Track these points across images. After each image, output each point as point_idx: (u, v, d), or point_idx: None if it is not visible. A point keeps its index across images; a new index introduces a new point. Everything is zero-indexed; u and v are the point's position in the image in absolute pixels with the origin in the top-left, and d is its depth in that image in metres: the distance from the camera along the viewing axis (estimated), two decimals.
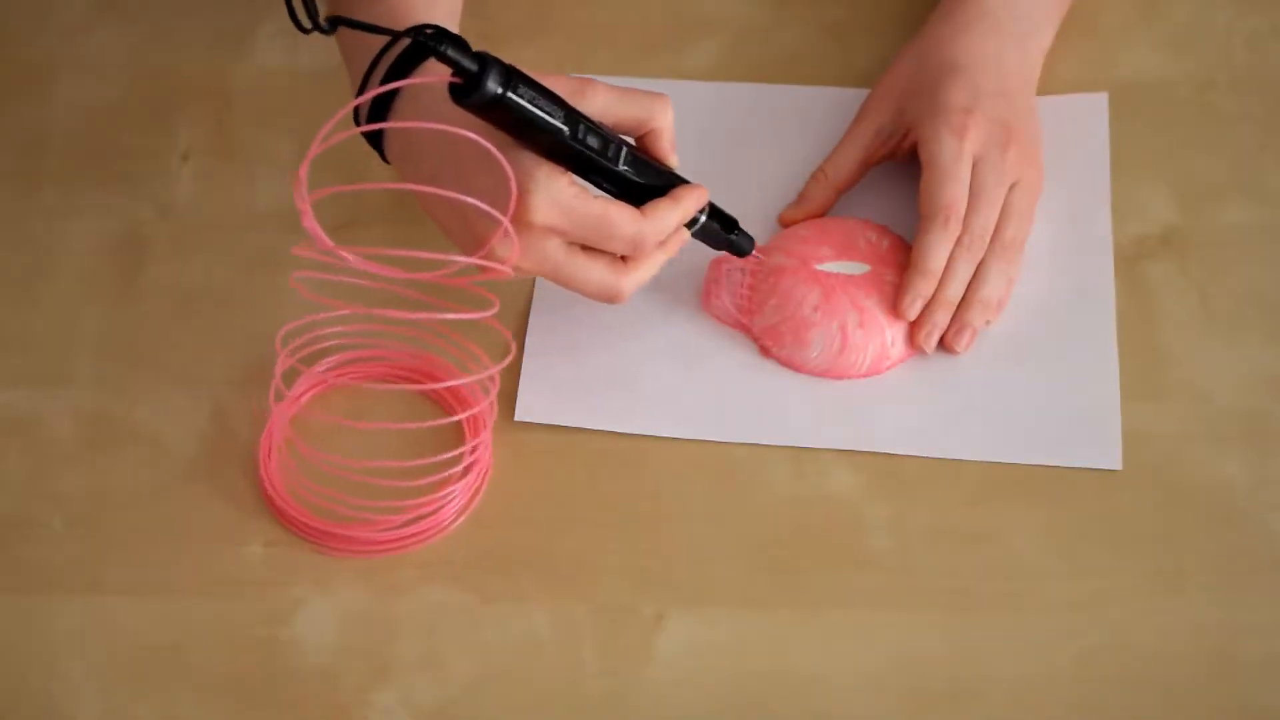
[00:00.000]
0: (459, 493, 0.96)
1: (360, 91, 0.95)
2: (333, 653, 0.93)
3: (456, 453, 0.95)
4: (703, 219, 0.95)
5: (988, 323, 1.00)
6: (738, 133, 1.08)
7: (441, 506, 0.95)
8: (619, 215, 0.90)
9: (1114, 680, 0.91)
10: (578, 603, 0.94)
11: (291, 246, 0.91)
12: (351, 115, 0.96)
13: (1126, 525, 0.95)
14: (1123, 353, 0.99)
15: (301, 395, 0.99)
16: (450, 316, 0.91)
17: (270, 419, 0.97)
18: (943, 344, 1.00)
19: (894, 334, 0.99)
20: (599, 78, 0.92)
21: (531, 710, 0.91)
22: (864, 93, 1.06)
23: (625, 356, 1.01)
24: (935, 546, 0.94)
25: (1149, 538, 0.94)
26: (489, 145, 0.85)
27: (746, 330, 1.01)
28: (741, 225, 0.98)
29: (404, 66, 0.93)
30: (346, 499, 0.94)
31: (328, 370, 1.00)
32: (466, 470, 0.96)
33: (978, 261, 1.00)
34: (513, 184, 0.87)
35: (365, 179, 1.05)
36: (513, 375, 1.00)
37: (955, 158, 0.99)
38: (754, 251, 1.01)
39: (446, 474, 0.95)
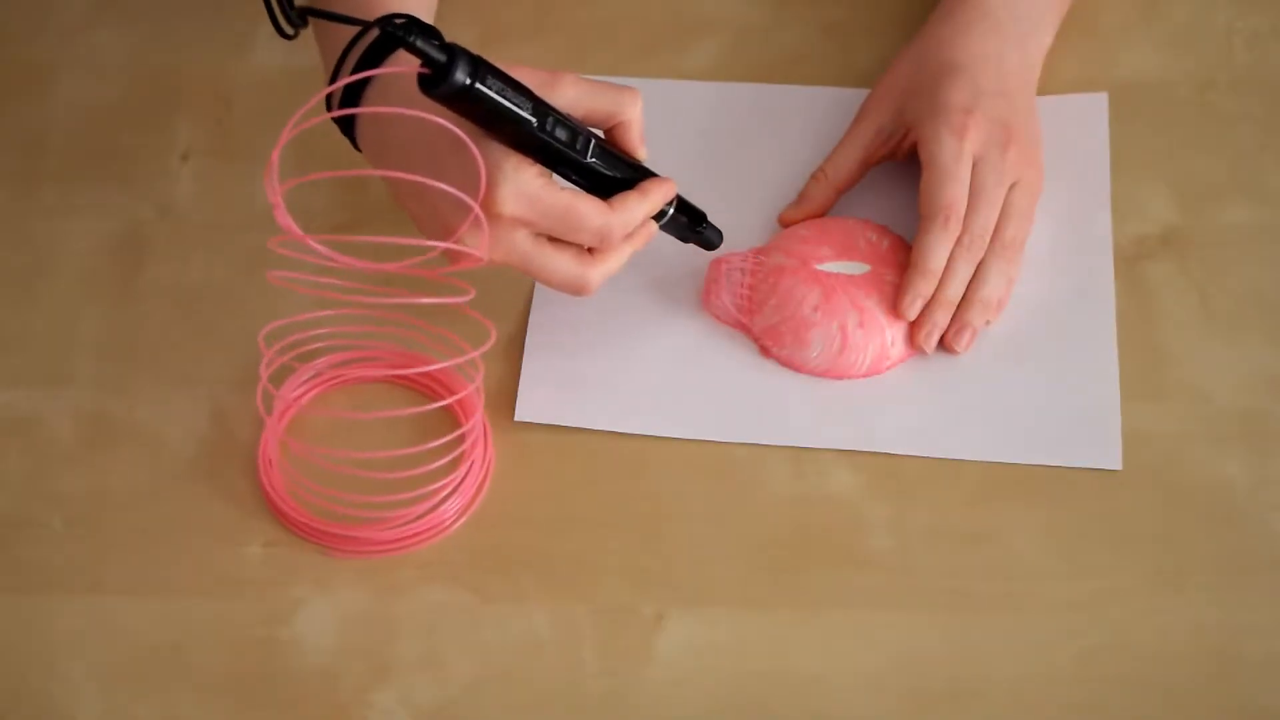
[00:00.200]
0: (460, 491, 0.96)
1: (331, 80, 0.95)
2: (333, 653, 0.93)
3: (452, 437, 0.95)
4: (670, 212, 0.95)
5: (988, 323, 1.00)
6: (738, 133, 1.08)
7: (441, 501, 0.95)
8: (586, 207, 0.90)
9: (1114, 680, 0.91)
10: (578, 603, 0.94)
11: (290, 246, 0.91)
12: (324, 102, 0.96)
13: (1126, 525, 0.95)
14: (1123, 353, 0.99)
15: (300, 397, 0.99)
16: (428, 300, 0.91)
17: (267, 421, 0.97)
18: (943, 344, 1.00)
19: (894, 334, 0.99)
20: (599, 78, 0.92)
21: (531, 710, 0.91)
22: (864, 93, 1.06)
23: (625, 356, 1.01)
24: (935, 546, 0.94)
25: (1149, 538, 0.94)
26: (458, 131, 0.85)
27: (746, 330, 1.01)
28: (738, 226, 0.98)
29: (375, 57, 0.93)
30: (347, 498, 0.94)
31: (321, 371, 1.00)
32: (463, 459, 0.96)
33: (977, 261, 1.00)
34: (483, 174, 0.87)
35: (354, 182, 1.05)
36: (513, 375, 1.00)
37: (955, 158, 0.99)
38: (753, 251, 1.01)
39: (444, 461, 0.95)
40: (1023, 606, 0.93)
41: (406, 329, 0.98)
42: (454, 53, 0.84)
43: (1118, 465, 0.96)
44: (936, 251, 0.99)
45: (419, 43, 0.83)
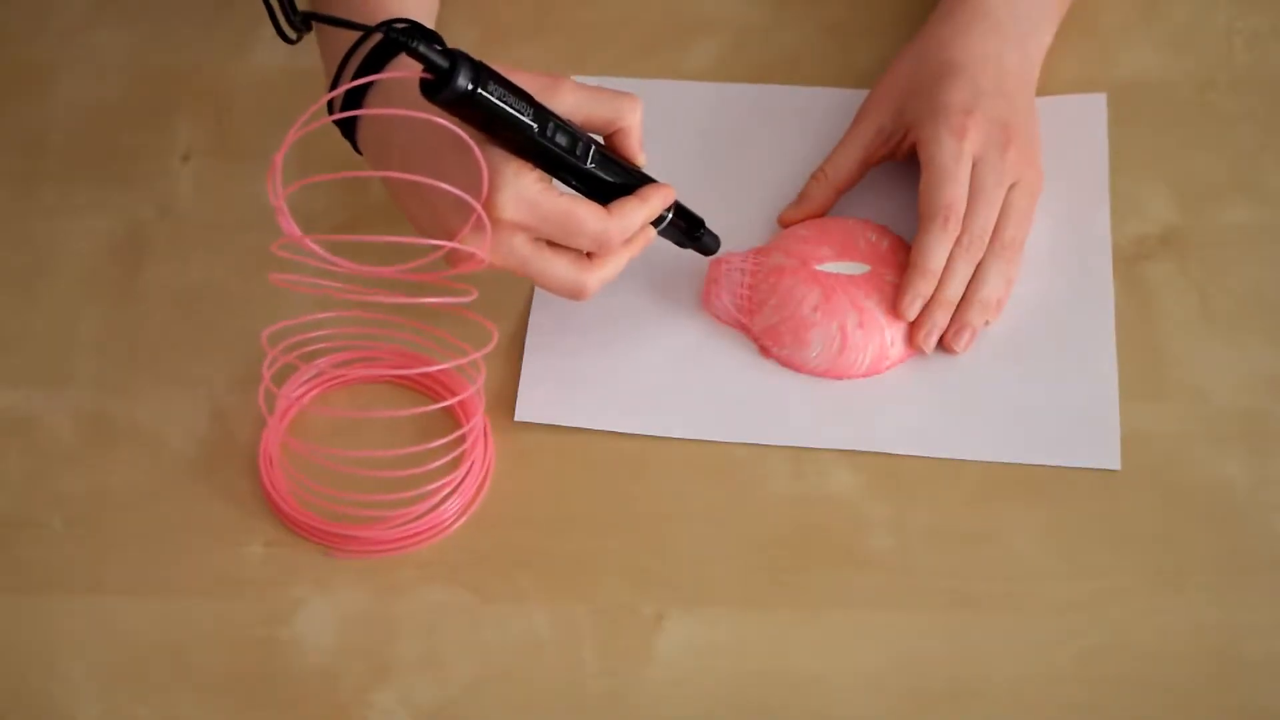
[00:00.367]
0: (460, 491, 0.96)
1: (333, 85, 0.95)
2: (333, 653, 0.93)
3: (452, 437, 0.95)
4: (669, 217, 0.95)
5: (987, 323, 1.00)
6: (738, 133, 1.08)
7: (441, 503, 0.95)
8: (585, 212, 0.90)
9: (1114, 680, 0.91)
10: (578, 603, 0.94)
11: (273, 247, 0.91)
12: (327, 109, 0.96)
13: (1126, 525, 0.95)
14: (1122, 353, 0.99)
15: (301, 397, 0.99)
16: (430, 301, 0.91)
17: (268, 421, 0.97)
18: (942, 344, 1.00)
19: (893, 334, 0.99)
20: (599, 78, 0.92)
21: (531, 710, 0.91)
22: (864, 93, 1.06)
23: (625, 356, 1.01)
24: (935, 546, 0.94)
25: (1149, 538, 0.94)
26: (462, 133, 0.85)
27: (746, 330, 1.01)
28: (739, 226, 0.98)
29: (377, 62, 0.93)
30: (347, 498, 0.94)
31: (323, 371, 1.00)
32: (463, 459, 0.96)
33: (977, 261, 1.00)
34: (485, 176, 0.87)
35: (355, 184, 1.05)
36: (513, 375, 1.00)
37: (955, 158, 0.99)
38: (753, 251, 1.01)
39: (444, 461, 0.95)
40: (1023, 606, 0.93)
41: (408, 330, 0.98)
42: (456, 58, 0.85)
43: (1117, 465, 0.96)
44: (936, 252, 0.99)
45: (421, 48, 0.84)
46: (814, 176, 1.04)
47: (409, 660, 0.93)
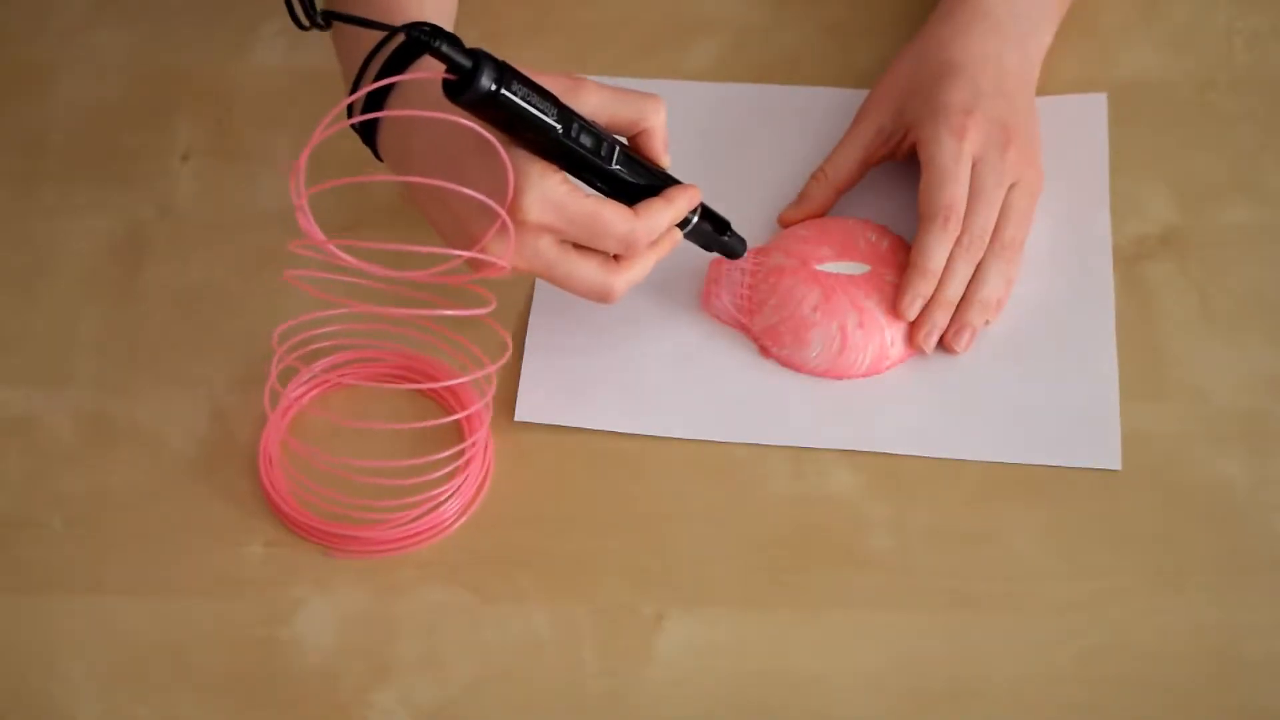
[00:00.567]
0: (460, 492, 0.96)
1: (353, 88, 0.95)
2: (333, 653, 0.93)
3: (453, 451, 0.95)
4: (695, 220, 0.95)
5: (987, 323, 1.00)
6: (738, 133, 1.08)
7: (440, 504, 0.95)
8: (611, 214, 0.90)
9: (1114, 680, 0.91)
10: (578, 603, 0.94)
11: (291, 246, 0.91)
12: (346, 112, 0.96)
13: (1126, 525, 0.95)
14: (1122, 353, 0.99)
15: (301, 397, 0.99)
16: (449, 313, 0.91)
17: (268, 421, 0.97)
18: (942, 344, 1.00)
19: (894, 334, 0.99)
20: (599, 78, 0.92)
21: (531, 710, 0.91)
22: (864, 93, 1.06)
23: (625, 356, 1.01)
24: (935, 546, 0.94)
25: (1149, 538, 0.94)
26: (488, 135, 0.85)
27: (746, 330, 1.01)
28: (738, 226, 0.98)
29: (397, 64, 0.93)
30: (347, 499, 0.94)
31: (325, 371, 1.00)
32: (464, 467, 0.96)
33: (977, 262, 1.00)
34: (510, 179, 0.87)
35: (358, 183, 1.05)
36: (513, 375, 1.00)
37: (955, 158, 0.99)
38: (753, 251, 1.01)
39: (445, 471, 0.95)
40: (1023, 606, 0.93)
41: (416, 330, 0.98)
42: (480, 58, 0.84)
43: (1117, 465, 0.96)
44: (936, 252, 0.99)
45: (445, 48, 0.83)
46: (814, 176, 1.04)
47: (409, 660, 0.93)
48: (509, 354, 0.94)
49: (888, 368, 1.00)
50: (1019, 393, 0.98)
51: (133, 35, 1.14)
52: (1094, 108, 1.08)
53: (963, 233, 0.99)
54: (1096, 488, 0.96)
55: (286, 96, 1.11)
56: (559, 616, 0.93)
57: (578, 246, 0.91)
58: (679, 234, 0.95)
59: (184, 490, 0.98)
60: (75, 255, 1.06)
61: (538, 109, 0.86)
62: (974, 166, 1.00)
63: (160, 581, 0.95)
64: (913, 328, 1.00)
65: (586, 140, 0.89)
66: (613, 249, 0.91)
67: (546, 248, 0.90)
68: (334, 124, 0.85)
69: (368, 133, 0.96)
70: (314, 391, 1.00)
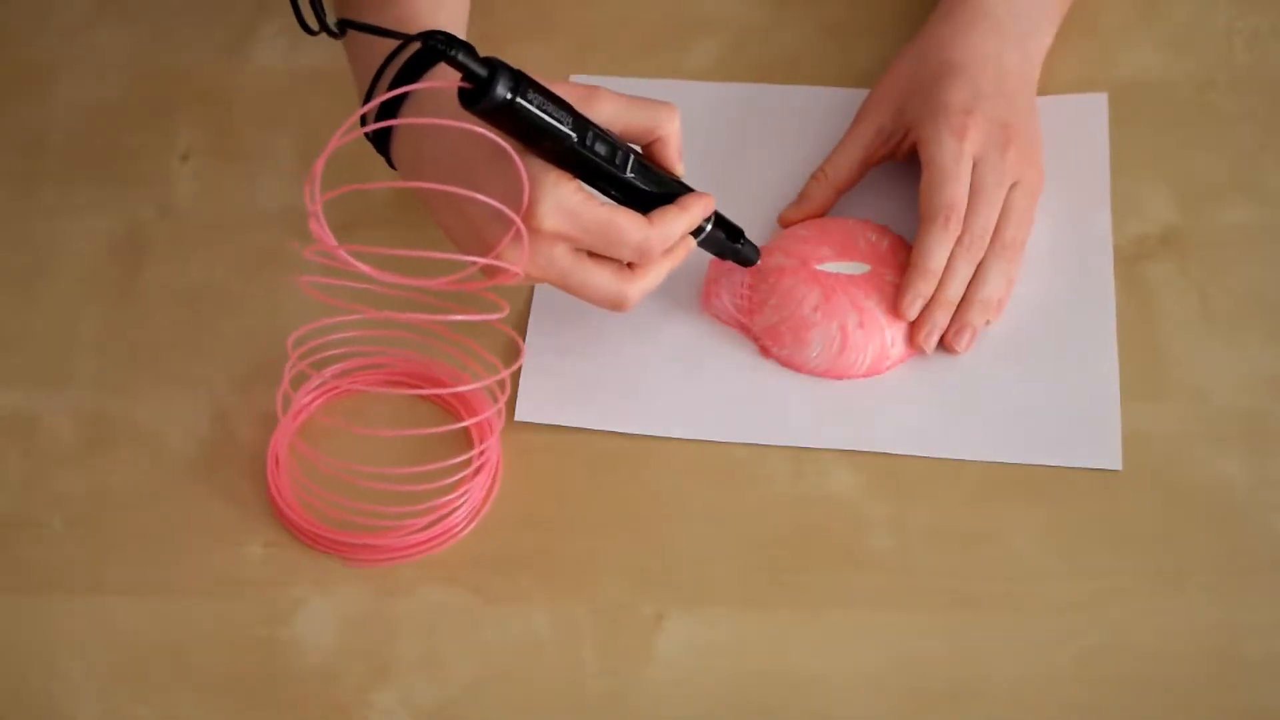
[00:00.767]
0: (470, 497, 0.95)
1: (368, 96, 0.95)
2: (333, 653, 0.93)
3: (464, 457, 0.95)
4: (709, 228, 0.95)
5: (988, 323, 1.00)
6: (738, 133, 1.08)
7: (452, 511, 0.95)
8: (626, 222, 0.90)
9: (1114, 680, 0.91)
10: (578, 603, 0.94)
11: (293, 247, 0.91)
12: (359, 119, 0.96)
13: (1126, 525, 0.95)
14: (1123, 353, 0.99)
15: (311, 404, 0.99)
16: (461, 318, 0.91)
17: (278, 426, 0.97)
18: (943, 344, 1.00)
19: (894, 334, 0.99)
20: (599, 78, 0.92)
21: (531, 710, 0.91)
22: (864, 93, 1.06)
23: (625, 357, 1.01)
24: (935, 546, 0.94)
25: (1149, 538, 0.94)
26: (504, 143, 0.85)
27: (746, 330, 1.01)
28: (745, 229, 0.98)
29: (410, 73, 0.93)
30: (357, 505, 0.94)
31: (335, 377, 0.99)
32: (476, 473, 0.96)
33: (978, 261, 1.00)
34: (525, 187, 0.87)
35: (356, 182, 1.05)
36: (513, 376, 1.00)
37: (955, 158, 0.99)
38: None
39: (456, 478, 0.94)
40: (1023, 606, 0.93)
41: (426, 335, 0.98)
42: (495, 67, 0.84)
43: (1118, 465, 0.96)
44: (936, 252, 0.99)
45: (461, 56, 0.83)
46: (814, 176, 1.04)
47: (409, 660, 0.93)
48: (522, 360, 0.94)
49: (888, 368, 1.00)
50: (1019, 393, 0.98)
51: (133, 35, 1.14)
52: (1094, 108, 1.08)
53: (963, 233, 0.99)
54: (1097, 488, 0.96)
55: (286, 96, 1.11)
56: (559, 616, 0.93)
57: (592, 255, 0.91)
58: (693, 242, 0.95)
59: (184, 490, 0.98)
60: (75, 255, 1.06)
61: (553, 117, 0.86)
62: (974, 166, 1.00)
63: (160, 581, 0.95)
64: (913, 328, 1.00)
65: (601, 149, 0.89)
66: (627, 257, 0.91)
67: (561, 256, 0.90)
68: (350, 132, 0.85)
69: (380, 140, 0.96)
70: (323, 398, 0.99)
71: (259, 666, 0.93)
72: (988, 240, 1.00)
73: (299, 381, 0.98)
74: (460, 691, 0.92)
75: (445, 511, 0.95)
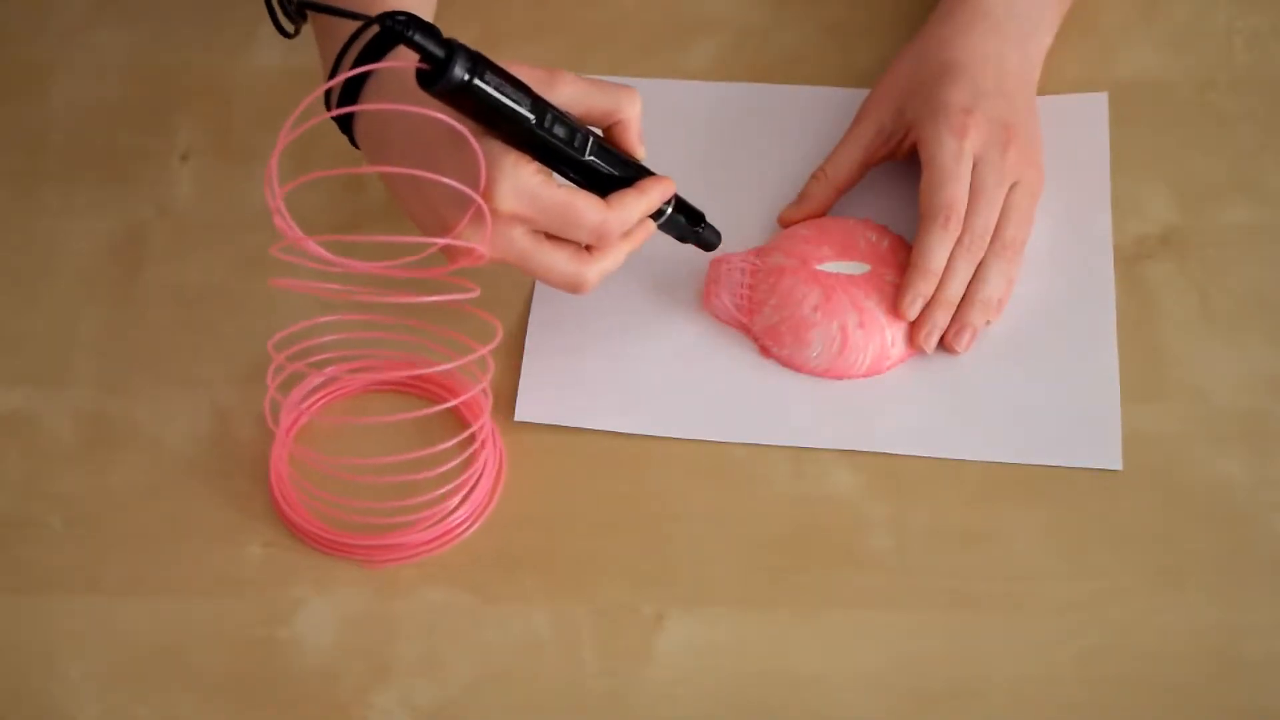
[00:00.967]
0: (475, 495, 0.95)
1: (330, 76, 0.95)
2: (333, 653, 0.93)
3: (461, 437, 0.94)
4: (669, 211, 0.95)
5: (988, 323, 1.00)
6: (738, 133, 1.08)
7: (456, 506, 0.95)
8: (584, 204, 0.90)
9: (1114, 680, 0.91)
10: (578, 603, 0.94)
11: (271, 250, 0.90)
12: (323, 102, 0.96)
13: (1126, 525, 0.95)
14: (1123, 353, 0.99)
15: (302, 414, 0.99)
16: (431, 299, 0.91)
17: (274, 441, 0.97)
18: (943, 344, 1.00)
19: (894, 334, 0.99)
20: (599, 78, 0.92)
21: (531, 710, 0.91)
22: (864, 93, 1.06)
23: (625, 356, 1.01)
24: (935, 546, 0.94)
25: (1149, 538, 0.94)
26: (458, 125, 0.85)
27: (746, 330, 1.01)
28: (739, 226, 0.98)
29: (374, 53, 0.93)
30: (357, 505, 0.94)
31: (321, 385, 0.99)
32: (476, 458, 0.95)
33: (978, 261, 1.00)
34: (483, 169, 0.87)
35: (354, 182, 1.05)
36: (513, 376, 1.00)
37: (955, 158, 0.99)
38: (753, 251, 1.01)
39: (456, 461, 0.94)
40: (1023, 606, 0.93)
41: (412, 333, 0.98)
42: (453, 48, 0.84)
43: (1118, 465, 0.96)
44: (937, 251, 0.99)
45: (418, 37, 0.83)
46: (814, 176, 1.04)
47: (409, 661, 0.93)
48: (499, 337, 0.94)
49: (888, 368, 1.00)
50: (1019, 393, 0.98)
51: (133, 35, 1.14)
52: (1095, 107, 1.08)
53: (963, 232, 0.99)
54: (1097, 488, 0.96)
55: (286, 96, 1.11)
56: (559, 616, 0.93)
57: (551, 237, 0.91)
58: (652, 225, 0.95)
59: (184, 490, 0.98)
60: (75, 255, 1.06)
61: (511, 99, 0.86)
62: (975, 166, 1.00)
63: (160, 581, 0.95)
64: (913, 327, 1.00)
65: (560, 131, 0.89)
66: (585, 239, 0.91)
67: (520, 237, 0.90)
68: (304, 120, 0.85)
69: (347, 124, 0.96)
70: (319, 403, 0.99)
71: (259, 667, 0.93)
72: (988, 240, 1.00)
73: (284, 386, 0.97)
74: (460, 692, 0.92)
75: (447, 511, 0.95)
